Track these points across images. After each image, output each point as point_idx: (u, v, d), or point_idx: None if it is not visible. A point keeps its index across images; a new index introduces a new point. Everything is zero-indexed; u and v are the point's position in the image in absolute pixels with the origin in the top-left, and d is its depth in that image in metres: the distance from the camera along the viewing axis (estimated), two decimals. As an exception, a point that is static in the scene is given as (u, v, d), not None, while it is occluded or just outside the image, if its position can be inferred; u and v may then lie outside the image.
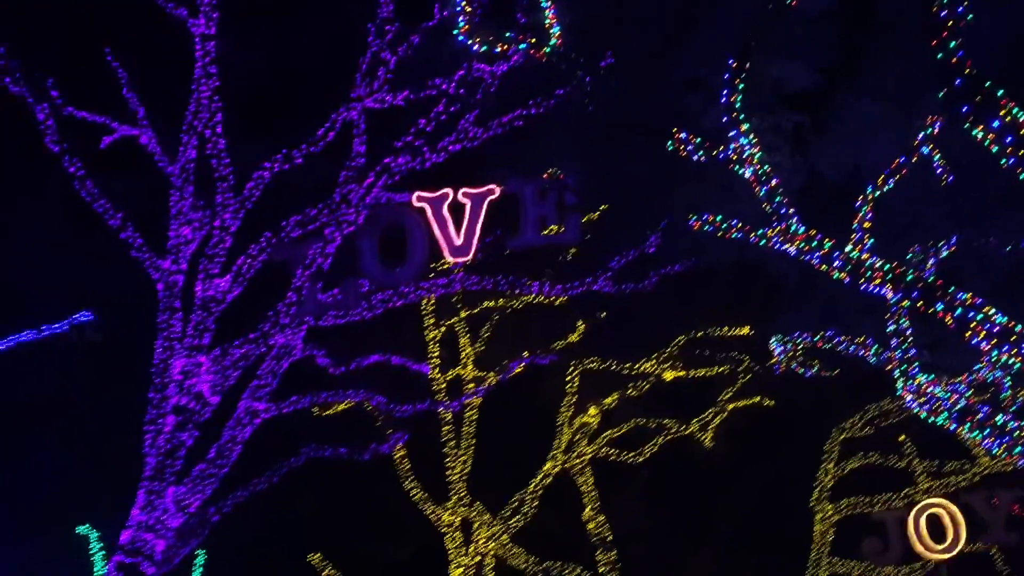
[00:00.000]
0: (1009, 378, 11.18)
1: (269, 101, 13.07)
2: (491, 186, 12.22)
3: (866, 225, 9.52)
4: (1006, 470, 18.01)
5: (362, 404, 15.55)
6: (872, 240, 9.46)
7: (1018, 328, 7.89)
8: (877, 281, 9.05)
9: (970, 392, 10.20)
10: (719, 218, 9.99)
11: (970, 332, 8.20)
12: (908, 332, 11.24)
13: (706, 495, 21.33)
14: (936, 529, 18.53)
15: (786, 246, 9.67)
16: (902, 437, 18.52)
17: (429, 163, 11.90)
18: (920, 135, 9.63)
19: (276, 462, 11.98)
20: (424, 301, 16.22)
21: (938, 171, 10.08)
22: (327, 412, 16.40)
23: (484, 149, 12.11)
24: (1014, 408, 9.61)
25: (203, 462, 11.03)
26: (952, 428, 10.09)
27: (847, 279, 9.32)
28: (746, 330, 16.41)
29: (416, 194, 12.12)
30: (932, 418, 10.47)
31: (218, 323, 11.32)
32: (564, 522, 19.70)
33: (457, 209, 12.25)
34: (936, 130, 9.45)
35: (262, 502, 12.39)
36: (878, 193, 9.70)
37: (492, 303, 16.00)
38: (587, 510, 18.95)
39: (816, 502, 18.89)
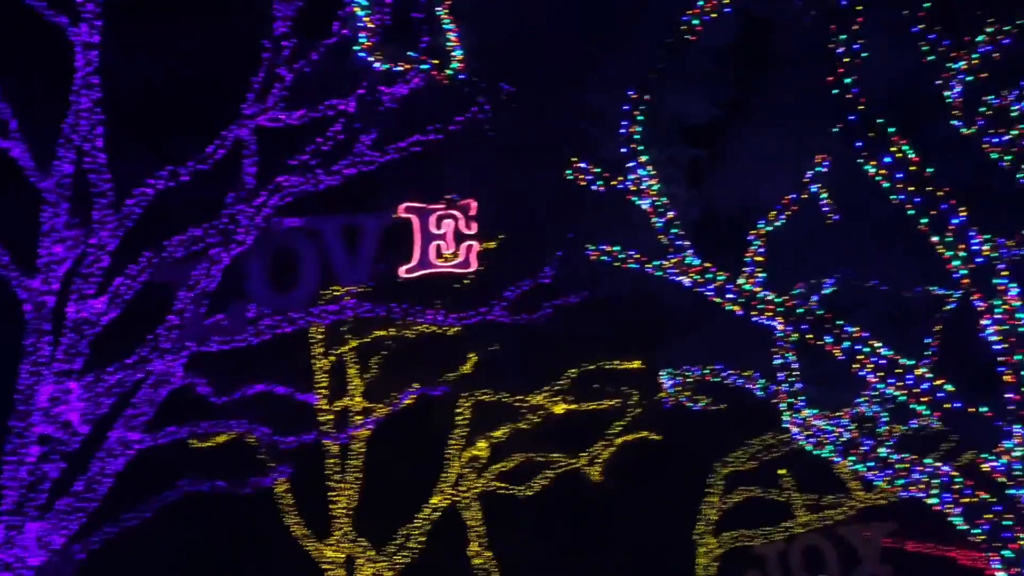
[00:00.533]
0: (886, 413, 11.55)
1: (156, 115, 12.52)
2: (386, 211, 11.98)
3: (757, 259, 9.68)
4: (880, 504, 18.69)
5: (244, 435, 14.94)
6: (764, 274, 9.63)
7: (903, 361, 8.10)
8: (768, 314, 9.19)
9: (853, 425, 10.44)
10: (616, 248, 10.01)
11: (857, 365, 8.38)
12: (794, 366, 11.50)
13: (594, 529, 21.37)
14: (814, 559, 19.03)
15: (681, 278, 9.74)
16: (782, 471, 18.98)
17: (323, 185, 11.58)
18: (809, 173, 9.90)
19: (149, 496, 11.37)
20: (313, 328, 15.76)
21: (824, 209, 10.37)
22: (206, 443, 15.68)
23: (380, 173, 11.87)
24: (892, 442, 9.87)
25: (69, 496, 10.32)
26: (836, 460, 10.30)
27: (740, 311, 9.44)
28: (637, 363, 16.53)
29: (309, 217, 11.78)
30: (817, 451, 10.67)
31: (91, 347, 10.67)
32: (450, 557, 19.40)
33: (350, 234, 11.95)
34: (825, 168, 9.73)
35: (134, 538, 11.73)
36: (769, 228, 9.89)
37: (384, 332, 15.67)
38: (473, 545, 18.72)
39: (699, 535, 19.12)
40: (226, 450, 15.83)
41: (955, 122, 8.20)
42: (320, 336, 15.99)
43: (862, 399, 11.64)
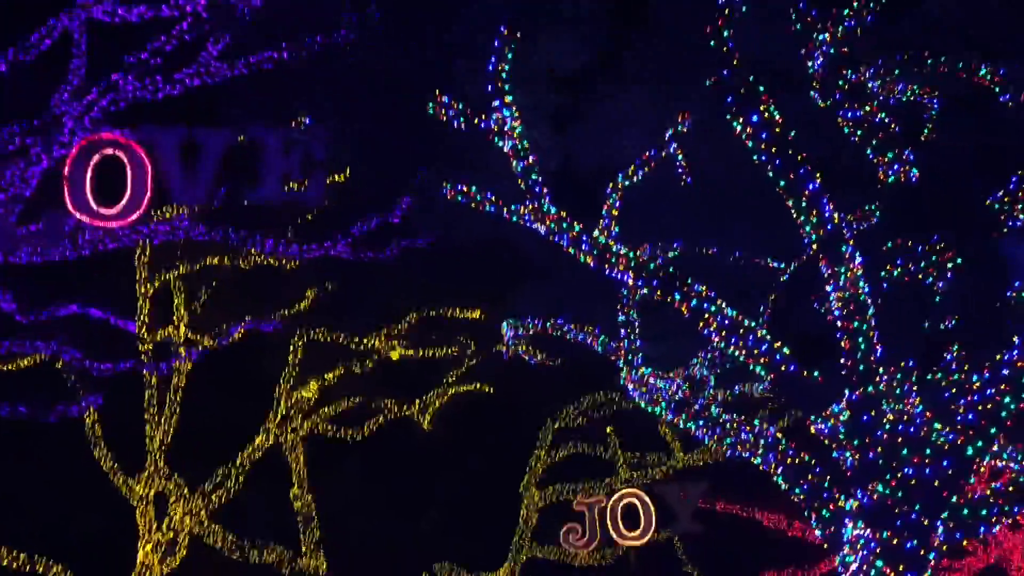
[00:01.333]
0: (714, 376, 11.87)
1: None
2: (231, 129, 11.22)
3: (614, 213, 9.65)
4: (697, 465, 19.43)
5: (52, 359, 13.87)
6: (618, 228, 9.61)
7: (747, 322, 8.24)
8: (621, 268, 9.18)
9: (687, 385, 10.66)
10: (474, 189, 9.74)
11: (703, 323, 8.47)
12: (636, 323, 11.63)
13: (419, 477, 21.25)
14: (631, 517, 19.64)
15: (537, 225, 9.59)
16: (609, 429, 19.41)
17: (162, 94, 10.69)
18: (669, 131, 9.90)
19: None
20: (140, 248, 14.72)
21: (679, 170, 10.42)
22: (8, 365, 14.45)
23: (227, 88, 11.08)
24: (725, 401, 10.12)
25: None
26: (669, 418, 10.49)
27: (593, 264, 9.39)
28: (477, 313, 16.38)
29: (144, 126, 10.88)
30: (651, 408, 10.85)
31: None
32: (270, 499, 18.82)
33: (190, 150, 11.13)
34: (686, 128, 9.75)
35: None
36: (627, 183, 9.86)
37: (217, 260, 14.80)
38: (295, 487, 18.21)
39: (525, 488, 19.32)
40: (32, 374, 14.68)
41: (813, 93, 8.35)
42: (146, 259, 14.96)
43: (696, 360, 11.92)
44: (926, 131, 8.68)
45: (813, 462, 8.40)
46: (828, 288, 7.52)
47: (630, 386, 11.32)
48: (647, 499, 19.03)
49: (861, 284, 7.36)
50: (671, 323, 12.90)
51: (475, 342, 16.91)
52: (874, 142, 8.38)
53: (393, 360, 17.47)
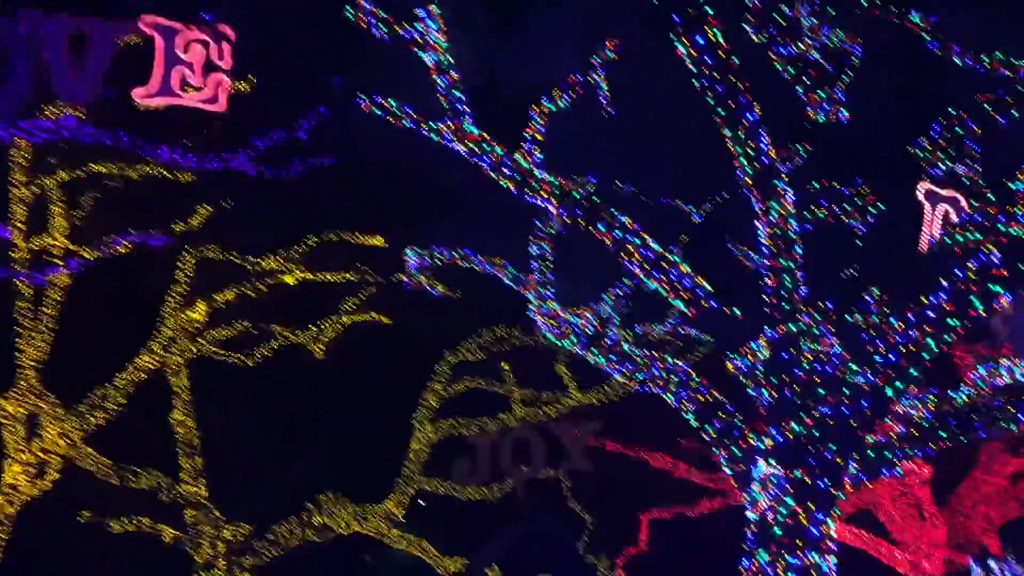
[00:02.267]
0: (624, 313, 11.76)
1: None
2: (125, 22, 10.32)
3: (538, 137, 9.30)
4: (591, 404, 19.55)
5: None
6: (542, 155, 9.27)
7: (670, 256, 8.07)
8: (543, 195, 8.86)
9: (597, 320, 10.51)
10: (392, 103, 9.22)
11: (625, 256, 8.25)
12: (549, 256, 11.38)
13: (310, 407, 20.77)
14: (523, 453, 19.69)
15: (457, 145, 9.16)
16: (505, 365, 19.28)
17: (49, -22, 9.73)
18: (595, 57, 9.57)
19: None
20: (17, 147, 13.60)
21: (602, 99, 10.11)
22: None
23: (123, -25, 10.18)
24: (634, 338, 10.00)
25: None
26: (578, 352, 10.32)
27: (514, 189, 9.04)
28: (380, 240, 15.86)
29: (24, 11, 9.90)
30: (560, 341, 10.66)
31: None
32: (150, 423, 18.06)
33: (78, 42, 10.20)
34: (616, 56, 9.43)
35: None
36: (552, 107, 9.50)
37: (104, 167, 13.80)
38: (177, 412, 17.49)
39: (418, 421, 19.07)
40: None
41: (748, 27, 8.13)
42: (24, 160, 13.83)
43: (608, 296, 11.79)
44: (846, 78, 8.59)
45: (724, 400, 8.37)
46: (757, 224, 7.40)
47: (539, 319, 11.09)
48: (540, 437, 19.11)
49: (791, 221, 7.27)
50: (583, 257, 12.77)
51: (375, 270, 16.42)
52: (806, 80, 8.24)
53: (288, 285, 16.83)
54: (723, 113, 7.04)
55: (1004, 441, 17.43)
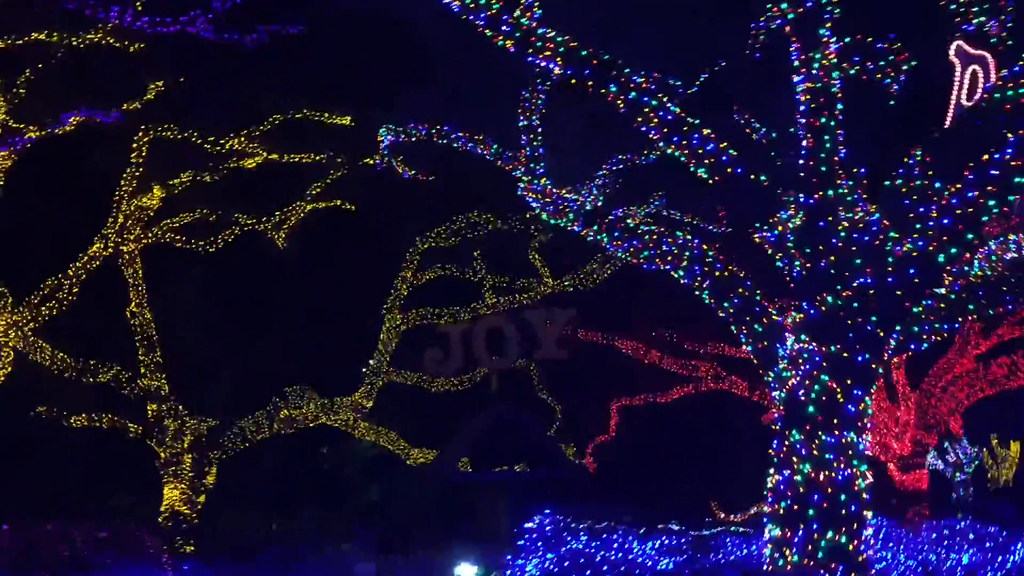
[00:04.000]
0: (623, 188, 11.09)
1: None
2: None
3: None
4: (565, 291, 19.08)
5: None
6: (541, 11, 8.41)
7: (690, 120, 7.39)
8: (547, 53, 8.05)
9: (600, 195, 9.87)
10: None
11: (642, 119, 7.55)
12: (540, 129, 10.62)
13: (273, 296, 20.01)
14: (496, 342, 19.27)
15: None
16: (477, 252, 18.63)
17: None
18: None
19: None
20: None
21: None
22: None
23: None
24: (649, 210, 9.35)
25: None
26: (577, 229, 9.67)
27: (514, 47, 8.20)
28: (348, 119, 14.88)
29: None
30: (556, 220, 10.00)
31: None
32: (105, 315, 17.18)
33: None
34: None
35: None
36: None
37: (45, 36, 12.53)
38: (133, 304, 16.64)
39: (387, 310, 18.46)
40: None
41: None
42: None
43: (603, 172, 11.13)
44: None
45: (743, 274, 7.85)
46: (796, 79, 6.74)
47: (531, 197, 10.39)
48: (514, 325, 18.67)
49: (835, 75, 6.63)
50: (577, 130, 12.02)
51: (344, 151, 15.48)
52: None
53: (248, 168, 15.85)
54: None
55: (980, 323, 17.39)
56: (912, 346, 7.45)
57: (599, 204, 9.55)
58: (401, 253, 17.91)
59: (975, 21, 7.90)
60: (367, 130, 13.55)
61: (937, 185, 6.64)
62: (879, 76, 7.80)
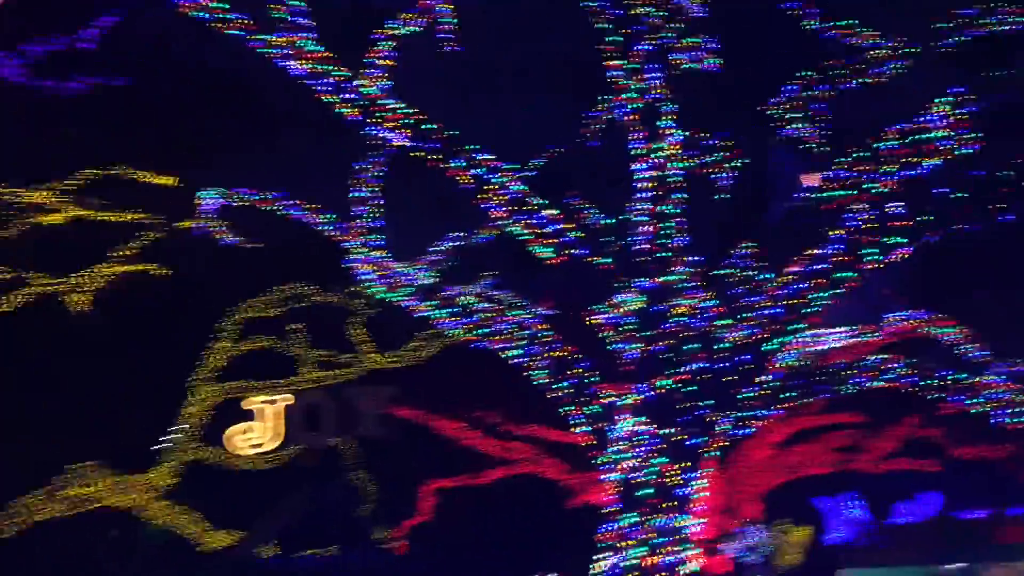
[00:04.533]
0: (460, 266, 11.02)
1: None
2: None
3: (388, 63, 8.37)
4: (389, 367, 18.67)
5: None
6: (392, 83, 8.35)
7: (535, 200, 7.46)
8: (393, 125, 7.96)
9: (436, 271, 9.73)
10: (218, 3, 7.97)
11: (485, 196, 7.55)
12: (378, 201, 10.45)
13: (69, 363, 18.50)
14: (313, 419, 18.52)
15: (294, 63, 8.07)
16: (299, 325, 18.00)
17: None
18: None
19: None
20: None
21: (442, 33, 9.31)
22: None
23: None
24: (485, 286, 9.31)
25: None
26: (411, 304, 9.52)
27: (356, 115, 8.07)
28: (170, 179, 14.16)
29: None
30: (389, 295, 9.80)
31: None
32: None
33: None
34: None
35: None
36: (403, 31, 8.61)
37: None
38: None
39: (196, 383, 17.43)
40: None
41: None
42: None
43: (447, 244, 11.02)
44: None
45: (577, 356, 7.90)
46: (637, 166, 6.92)
47: (364, 270, 10.17)
48: (332, 401, 18.04)
49: (678, 164, 6.86)
50: (415, 203, 11.89)
51: (161, 213, 14.65)
52: (677, 24, 7.88)
53: (53, 224, 14.72)
54: (614, 39, 6.47)
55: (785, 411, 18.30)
56: (738, 432, 7.68)
57: (435, 280, 9.42)
58: (216, 322, 17.06)
59: (794, 126, 8.48)
60: (192, 189, 12.94)
61: (766, 276, 6.94)
62: (712, 170, 8.18)
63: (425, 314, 9.37)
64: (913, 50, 8.45)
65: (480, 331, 8.64)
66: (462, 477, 21.46)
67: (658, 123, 6.64)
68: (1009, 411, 8.96)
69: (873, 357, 8.54)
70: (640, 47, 6.50)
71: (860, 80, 8.47)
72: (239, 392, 17.59)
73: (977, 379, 8.98)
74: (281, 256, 15.92)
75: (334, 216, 10.83)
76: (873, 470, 19.72)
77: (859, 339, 11.46)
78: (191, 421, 17.69)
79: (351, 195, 10.47)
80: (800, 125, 8.40)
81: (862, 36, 8.55)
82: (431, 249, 11.14)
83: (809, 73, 8.46)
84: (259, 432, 18.04)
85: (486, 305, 8.67)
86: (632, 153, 6.82)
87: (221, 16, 8.01)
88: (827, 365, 8.76)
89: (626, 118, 6.76)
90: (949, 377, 8.90)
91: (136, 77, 11.05)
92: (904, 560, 17.19)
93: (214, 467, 18.73)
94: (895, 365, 8.70)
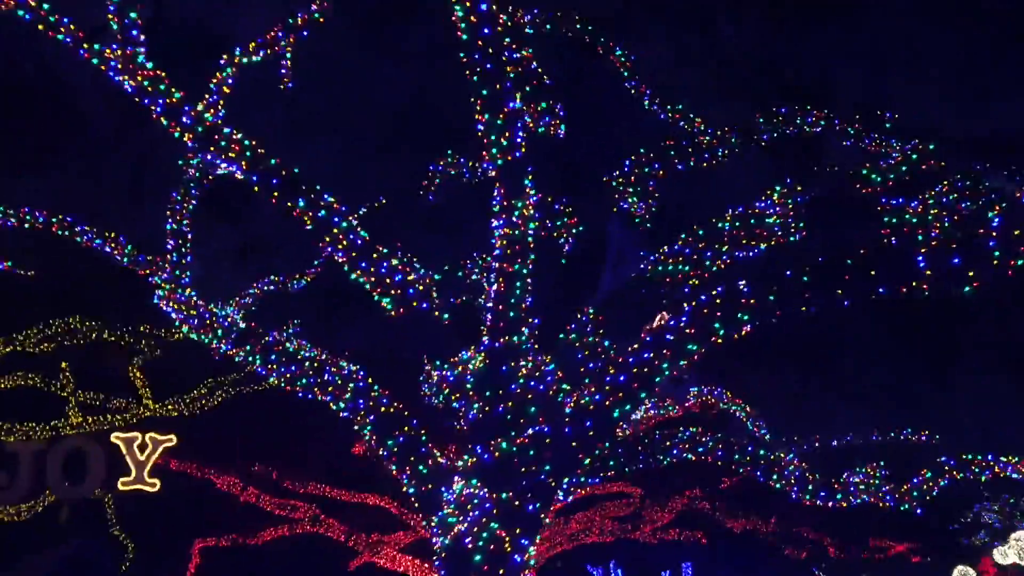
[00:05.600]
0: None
1: None
2: None
3: (225, 90, 7.89)
4: (168, 415, 17.37)
5: None
6: (224, 111, 7.86)
7: (381, 248, 7.20)
8: (231, 155, 7.47)
9: (241, 315, 9.14)
10: (47, 8, 7.24)
11: (329, 240, 7.21)
12: (190, 235, 9.78)
13: None
14: (75, 468, 16.85)
15: (125, 79, 7.43)
16: (64, 364, 16.46)
17: None
18: (300, 12, 8.48)
19: None
20: None
21: (281, 71, 8.98)
22: None
23: None
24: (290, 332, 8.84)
25: None
26: (224, 348, 8.89)
27: (194, 142, 7.52)
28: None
29: None
30: (201, 336, 9.12)
31: None
32: None
33: None
34: (315, 16, 8.40)
35: None
36: (244, 60, 8.17)
37: None
38: None
39: (-58, 421, 15.51)
40: None
41: (463, 34, 7.65)
42: None
43: (253, 290, 10.45)
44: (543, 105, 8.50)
45: (408, 413, 7.61)
46: (494, 223, 6.82)
47: (171, 307, 9.43)
48: (100, 448, 16.51)
49: (532, 224, 6.81)
50: (227, 244, 11.23)
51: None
52: (527, 89, 7.97)
53: None
54: (485, 94, 6.40)
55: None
56: (565, 498, 7.63)
57: (253, 323, 8.85)
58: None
59: (630, 200, 8.73)
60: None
61: (607, 343, 7.01)
62: (555, 234, 8.23)
63: (241, 359, 8.76)
64: (734, 140, 8.97)
65: (303, 381, 8.15)
66: (235, 536, 20.26)
67: (523, 180, 6.61)
68: (799, 488, 9.49)
69: (689, 430, 8.82)
70: (511, 105, 6.47)
71: (690, 163, 8.87)
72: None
73: (776, 455, 9.46)
74: (60, 287, 14.61)
75: (134, 248, 10.03)
76: (650, 540, 20.42)
77: (660, 412, 11.91)
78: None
79: (167, 227, 9.77)
80: (634, 199, 8.65)
81: (694, 123, 8.98)
82: (247, 292, 10.57)
83: (643, 151, 8.77)
84: (16, 479, 16.21)
85: (312, 354, 8.22)
86: (493, 209, 6.73)
87: (52, 19, 7.29)
88: (643, 435, 8.96)
89: (491, 172, 6.68)
90: (750, 453, 9.32)
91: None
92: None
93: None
94: (706, 439, 9.02)
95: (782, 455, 9.48)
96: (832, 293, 5.81)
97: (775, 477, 8.93)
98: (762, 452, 9.33)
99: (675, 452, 8.56)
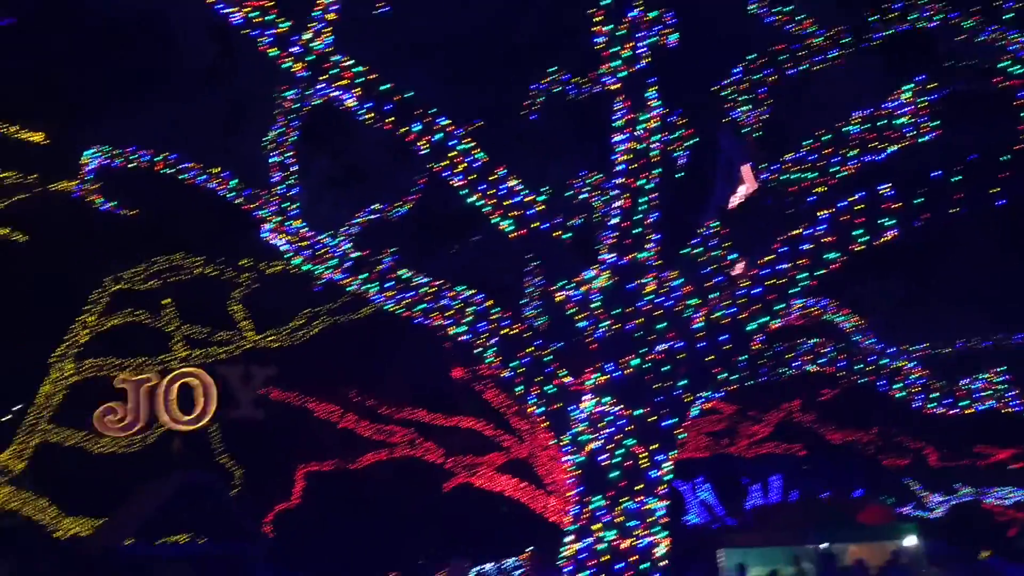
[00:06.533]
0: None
1: None
2: None
3: (329, 17, 7.77)
4: (268, 347, 17.79)
5: None
6: (334, 38, 7.77)
7: (499, 171, 7.11)
8: (343, 82, 7.41)
9: (351, 245, 9.16)
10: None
11: (446, 164, 7.14)
12: (293, 168, 9.79)
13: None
14: (185, 400, 17.43)
15: (234, 10, 7.38)
16: (167, 300, 16.90)
17: None
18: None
19: None
20: None
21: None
22: None
23: None
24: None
25: None
26: (338, 278, 8.93)
27: (303, 71, 7.46)
28: (40, 136, 12.95)
29: None
30: (313, 266, 9.18)
31: None
32: None
33: None
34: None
35: None
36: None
37: None
38: None
39: (57, 358, 16.10)
40: None
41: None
42: None
43: (373, 210, 10.47)
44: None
45: (531, 333, 7.59)
46: (617, 138, 6.68)
47: (281, 240, 9.48)
48: (208, 381, 17.03)
49: (655, 138, 6.66)
50: (329, 174, 11.26)
51: (29, 173, 13.37)
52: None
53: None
54: (606, 2, 6.18)
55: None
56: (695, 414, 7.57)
57: (366, 252, 8.88)
58: (83, 293, 15.79)
59: (741, 109, 8.46)
60: (66, 147, 11.79)
61: (732, 257, 6.86)
62: (670, 148, 8.05)
63: (355, 288, 8.81)
64: (847, 40, 8.58)
65: (421, 307, 8.17)
66: (337, 461, 20.85)
67: (646, 93, 6.43)
68: (923, 396, 9.28)
69: (809, 341, 8.65)
70: (631, 13, 6.26)
71: (801, 67, 8.53)
72: (103, 369, 16.37)
73: (897, 363, 9.25)
74: (162, 225, 14.89)
75: (239, 183, 10.08)
76: (745, 454, 20.42)
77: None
78: (47, 399, 16.34)
79: (270, 160, 9.79)
80: (745, 109, 8.38)
81: (803, 24, 8.61)
82: (352, 221, 10.61)
83: (753, 57, 8.45)
84: (125, 412, 16.85)
85: (428, 279, 8.22)
86: (614, 124, 6.57)
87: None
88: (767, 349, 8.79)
89: (611, 86, 6.50)
90: (872, 362, 9.12)
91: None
92: (774, 540, 17.85)
93: (70, 449, 17.40)
94: (827, 350, 8.84)
95: (903, 363, 9.26)
96: (985, 192, 5.56)
97: (899, 386, 8.73)
98: (884, 361, 9.12)
99: (797, 364, 8.41)
